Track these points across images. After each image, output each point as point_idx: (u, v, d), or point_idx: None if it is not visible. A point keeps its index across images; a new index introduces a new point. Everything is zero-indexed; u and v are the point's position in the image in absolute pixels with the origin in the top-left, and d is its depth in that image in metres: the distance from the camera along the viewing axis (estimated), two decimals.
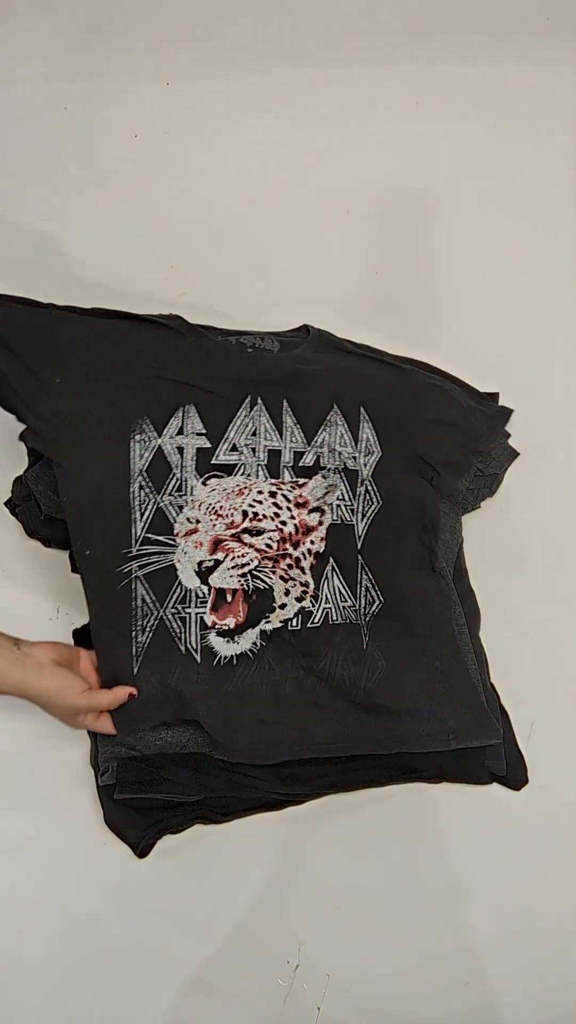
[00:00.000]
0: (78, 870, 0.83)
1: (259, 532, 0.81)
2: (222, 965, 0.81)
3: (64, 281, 1.05)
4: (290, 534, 0.82)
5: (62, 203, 1.09)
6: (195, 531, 0.79)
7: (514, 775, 0.86)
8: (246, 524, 0.80)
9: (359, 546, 0.84)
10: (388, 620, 0.83)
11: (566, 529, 0.98)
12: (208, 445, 0.81)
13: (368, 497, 0.85)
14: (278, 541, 0.81)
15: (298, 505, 0.82)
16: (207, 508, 0.80)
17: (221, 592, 0.79)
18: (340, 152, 1.12)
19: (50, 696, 0.71)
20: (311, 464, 0.83)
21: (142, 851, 0.82)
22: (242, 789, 0.80)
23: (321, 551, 0.82)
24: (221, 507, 0.80)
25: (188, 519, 0.80)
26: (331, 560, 0.82)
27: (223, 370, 0.83)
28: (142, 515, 0.78)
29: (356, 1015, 0.81)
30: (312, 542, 0.82)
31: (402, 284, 1.07)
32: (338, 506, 0.83)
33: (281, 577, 0.80)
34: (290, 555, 0.81)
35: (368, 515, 0.84)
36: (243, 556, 0.79)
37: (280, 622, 0.80)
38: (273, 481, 0.82)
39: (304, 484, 0.83)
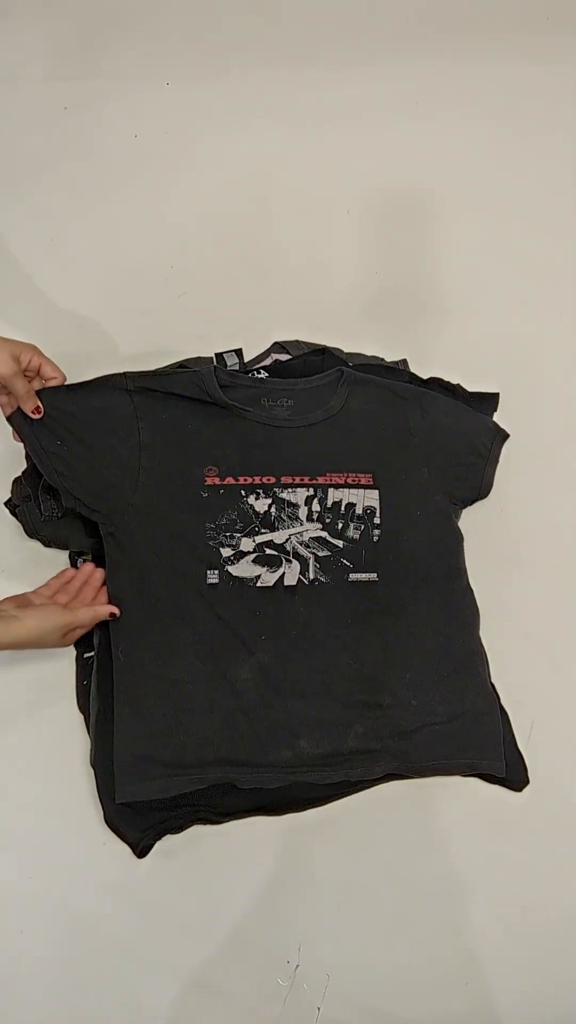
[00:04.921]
0: (78, 870, 0.83)
1: None
2: (222, 965, 0.81)
3: (64, 282, 1.05)
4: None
5: (62, 203, 1.09)
6: None
7: (514, 775, 0.86)
8: None
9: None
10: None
11: (566, 529, 0.98)
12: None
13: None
14: None
15: None
16: None
17: None
18: (340, 152, 1.12)
19: (34, 631, 0.75)
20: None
21: (142, 851, 0.82)
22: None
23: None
24: None
25: None
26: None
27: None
28: None
29: (356, 1015, 0.81)
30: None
31: (402, 284, 1.07)
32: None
33: None
34: None
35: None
36: None
37: None
38: None
39: None
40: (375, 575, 0.85)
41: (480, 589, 0.91)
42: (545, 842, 0.86)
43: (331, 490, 0.86)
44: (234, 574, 0.82)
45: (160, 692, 0.80)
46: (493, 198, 1.11)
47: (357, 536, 0.85)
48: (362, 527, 0.86)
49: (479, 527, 0.95)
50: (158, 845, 0.82)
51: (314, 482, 0.86)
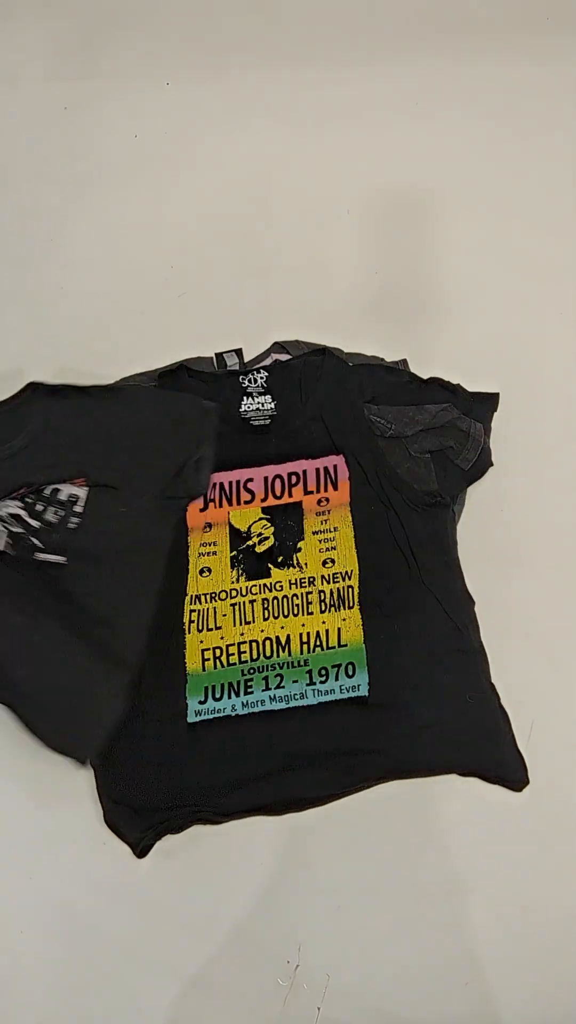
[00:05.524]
0: (78, 870, 0.83)
1: None
2: (222, 965, 0.81)
3: (64, 282, 1.05)
4: None
5: (62, 203, 1.09)
6: None
7: (514, 775, 0.86)
8: None
9: None
10: None
11: (566, 529, 0.97)
12: None
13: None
14: None
15: None
16: None
17: None
18: (340, 152, 1.12)
19: None
20: None
21: (142, 851, 0.82)
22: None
23: None
24: None
25: None
26: None
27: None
28: None
29: (356, 1015, 0.81)
30: None
31: (402, 284, 1.07)
32: None
33: None
34: None
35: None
36: None
37: None
38: None
39: None
40: (63, 559, 0.86)
41: (480, 589, 0.91)
42: (545, 842, 0.86)
43: None
44: None
45: None
46: (493, 198, 1.11)
47: (55, 520, 0.86)
48: (62, 512, 0.87)
49: (479, 527, 0.95)
50: (158, 845, 0.82)
51: None
